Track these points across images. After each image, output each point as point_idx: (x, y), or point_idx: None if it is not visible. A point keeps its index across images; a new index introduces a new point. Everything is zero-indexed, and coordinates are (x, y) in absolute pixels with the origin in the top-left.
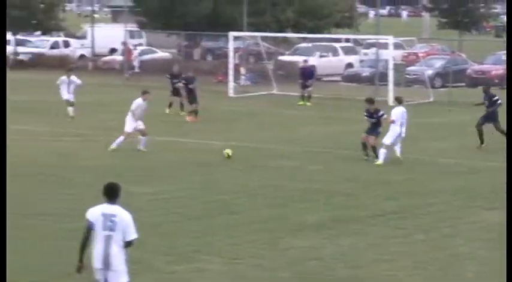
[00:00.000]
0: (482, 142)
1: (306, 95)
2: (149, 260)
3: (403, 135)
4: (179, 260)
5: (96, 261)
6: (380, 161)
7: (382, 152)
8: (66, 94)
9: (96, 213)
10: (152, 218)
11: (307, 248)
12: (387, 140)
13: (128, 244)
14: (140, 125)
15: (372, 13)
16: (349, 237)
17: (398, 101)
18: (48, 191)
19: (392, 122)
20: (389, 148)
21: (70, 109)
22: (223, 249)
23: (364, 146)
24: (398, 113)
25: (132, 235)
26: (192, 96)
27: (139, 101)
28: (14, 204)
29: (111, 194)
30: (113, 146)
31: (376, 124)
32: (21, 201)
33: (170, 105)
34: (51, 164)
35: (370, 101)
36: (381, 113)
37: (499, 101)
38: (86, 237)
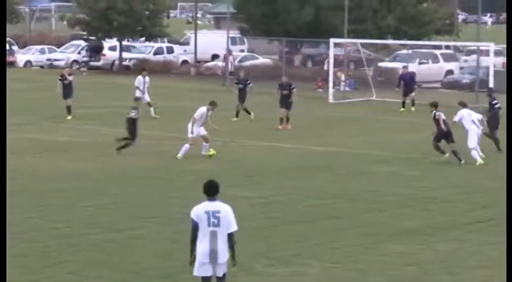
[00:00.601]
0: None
1: (407, 101)
2: (249, 263)
3: (479, 132)
4: (278, 263)
5: (203, 257)
6: (478, 161)
7: (474, 154)
8: (142, 95)
9: (200, 211)
10: (252, 221)
11: (406, 253)
12: (471, 143)
13: (230, 236)
14: (203, 131)
15: (486, 19)
16: (448, 243)
17: (462, 105)
18: (156, 193)
19: (454, 122)
20: (477, 147)
21: (152, 110)
22: (322, 253)
23: (455, 152)
24: (463, 113)
25: (233, 227)
26: (283, 102)
27: (203, 109)
28: (129, 207)
29: (212, 191)
30: (179, 155)
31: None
32: (135, 204)
33: (246, 112)
34: (156, 167)
35: (435, 104)
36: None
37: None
38: (194, 235)
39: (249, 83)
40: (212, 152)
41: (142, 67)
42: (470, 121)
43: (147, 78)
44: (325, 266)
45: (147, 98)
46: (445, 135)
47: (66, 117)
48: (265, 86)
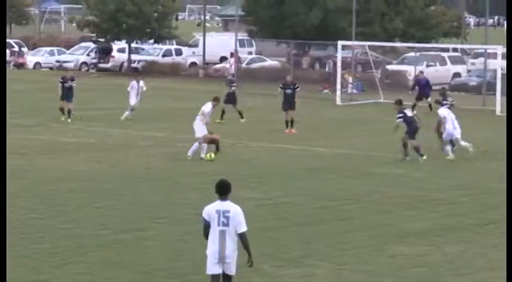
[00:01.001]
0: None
1: (418, 104)
2: (257, 264)
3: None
4: (287, 264)
5: (213, 255)
6: (450, 156)
7: (468, 145)
8: (134, 99)
9: (211, 210)
10: (260, 223)
11: (414, 255)
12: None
13: (241, 237)
14: (204, 130)
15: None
16: (456, 245)
17: (438, 102)
18: (165, 194)
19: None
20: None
21: (127, 113)
22: (331, 254)
23: (405, 145)
24: (445, 111)
25: (243, 227)
26: (286, 103)
27: (210, 105)
28: (139, 208)
29: (223, 190)
30: (189, 154)
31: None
32: (145, 204)
33: (223, 114)
34: (165, 168)
35: (399, 102)
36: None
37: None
38: (206, 233)
39: (234, 85)
40: (211, 156)
41: (139, 71)
42: (451, 120)
43: (141, 83)
44: (333, 268)
45: (136, 101)
46: (416, 130)
47: (61, 118)
48: (272, 88)
